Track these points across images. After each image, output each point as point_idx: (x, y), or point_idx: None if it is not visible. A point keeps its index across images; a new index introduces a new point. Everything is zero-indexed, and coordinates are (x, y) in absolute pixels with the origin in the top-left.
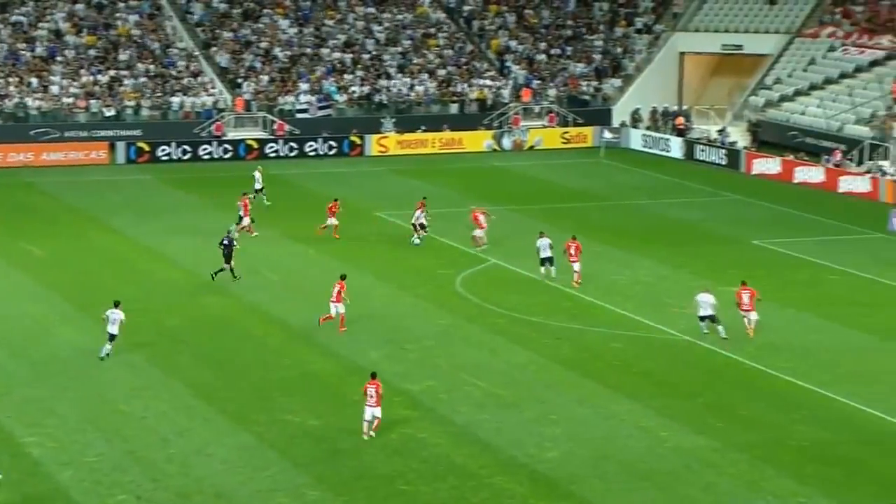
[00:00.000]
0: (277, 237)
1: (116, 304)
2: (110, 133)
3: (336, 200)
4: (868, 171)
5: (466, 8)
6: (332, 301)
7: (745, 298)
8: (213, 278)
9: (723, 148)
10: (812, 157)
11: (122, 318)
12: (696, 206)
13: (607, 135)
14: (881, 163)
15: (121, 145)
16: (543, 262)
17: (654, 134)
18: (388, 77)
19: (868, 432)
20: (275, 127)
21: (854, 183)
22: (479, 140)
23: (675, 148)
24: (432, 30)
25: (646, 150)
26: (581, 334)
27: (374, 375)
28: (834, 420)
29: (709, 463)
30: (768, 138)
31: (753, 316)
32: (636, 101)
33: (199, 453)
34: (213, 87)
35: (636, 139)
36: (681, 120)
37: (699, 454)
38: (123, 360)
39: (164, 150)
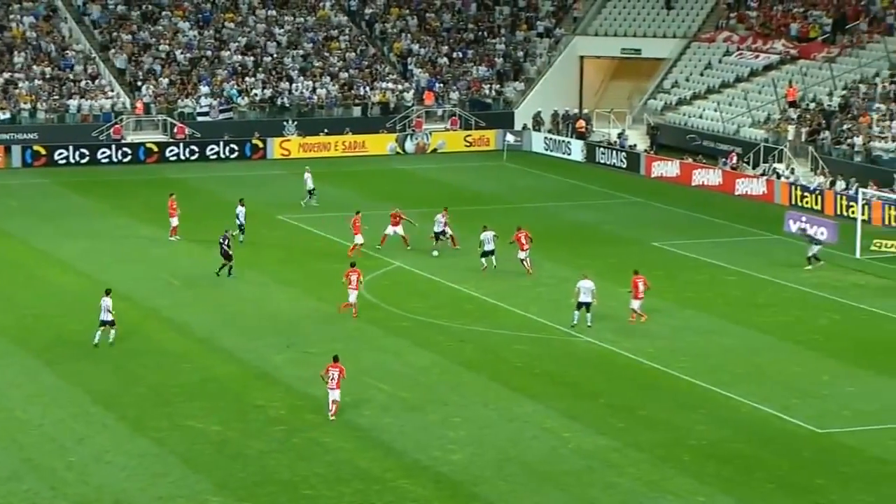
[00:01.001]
0: (179, 241)
1: (107, 292)
2: (5, 136)
3: (358, 213)
4: (763, 174)
5: (368, 11)
6: (351, 288)
7: (641, 286)
8: (217, 274)
9: (622, 151)
10: (709, 160)
11: (109, 304)
12: (596, 209)
13: (509, 138)
14: (776, 165)
15: (16, 149)
16: (485, 254)
17: (555, 137)
18: (290, 80)
19: (764, 430)
20: (175, 130)
21: (750, 185)
22: (382, 143)
23: (576, 151)
24: (334, 33)
25: (547, 153)
26: (484, 336)
27: (336, 359)
28: (732, 419)
29: (610, 463)
30: (667, 141)
31: (637, 304)
32: (538, 105)
33: (99, 460)
34: (111, 90)
35: (538, 142)
36: (581, 123)
37: (601, 454)
38: (20, 366)
39: (61, 153)
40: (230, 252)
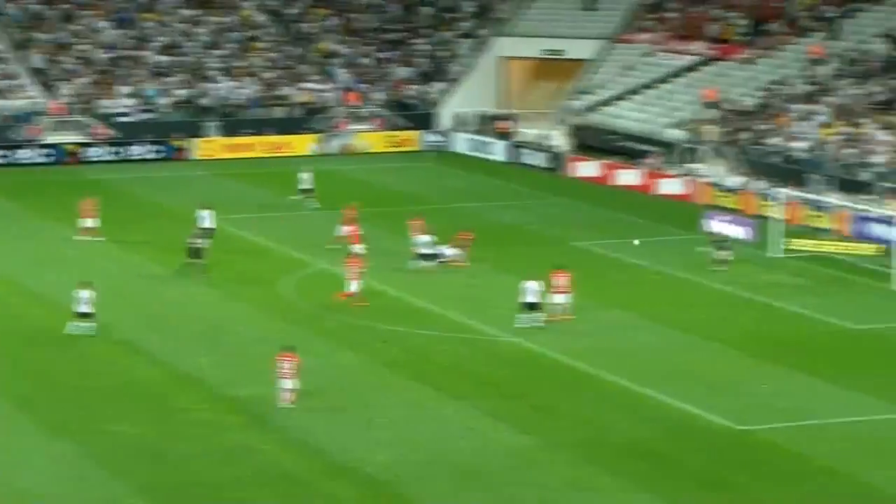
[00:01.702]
0: (100, 243)
1: (87, 285)
2: None
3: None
4: (683, 174)
5: (291, 11)
6: (352, 278)
7: (560, 282)
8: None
9: (545, 151)
10: (630, 160)
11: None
12: (520, 209)
13: (433, 138)
14: (695, 165)
15: None
16: (424, 257)
17: (479, 137)
18: (212, 80)
19: (685, 428)
20: (95, 130)
21: (670, 185)
22: (305, 144)
23: (500, 151)
24: (256, 32)
25: (471, 153)
26: (409, 337)
27: (290, 349)
28: (654, 417)
29: (534, 462)
30: (589, 142)
31: (563, 298)
32: (461, 105)
33: (19, 465)
34: (28, 90)
35: (462, 143)
36: (505, 124)
37: (525, 454)
38: None
39: None
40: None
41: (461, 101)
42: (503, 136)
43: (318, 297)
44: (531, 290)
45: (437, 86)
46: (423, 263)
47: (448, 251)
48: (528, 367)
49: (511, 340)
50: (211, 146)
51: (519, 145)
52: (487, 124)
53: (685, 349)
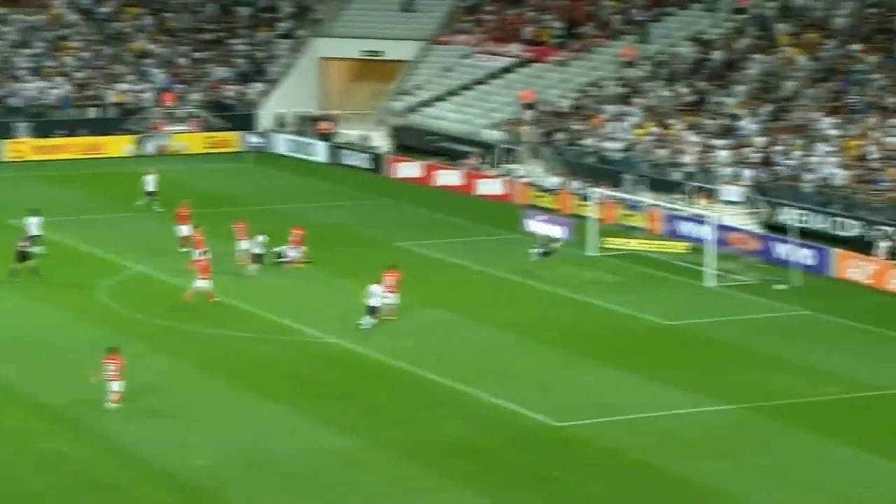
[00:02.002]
0: None
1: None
2: None
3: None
4: (501, 175)
5: (103, 10)
6: (200, 277)
7: (389, 282)
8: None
9: (366, 152)
10: (451, 161)
11: None
12: (341, 210)
13: (253, 139)
14: (513, 166)
15: None
16: (257, 258)
17: (299, 138)
18: (21, 80)
19: (506, 426)
20: None
21: (490, 186)
22: (120, 145)
23: (321, 152)
24: (68, 31)
25: (292, 154)
26: (229, 340)
27: (114, 350)
28: (476, 416)
29: (357, 463)
30: (410, 143)
31: (392, 299)
32: (281, 106)
33: None
34: None
35: (282, 144)
36: (325, 124)
37: (348, 455)
38: None
39: None
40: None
41: (281, 101)
42: (324, 137)
43: (136, 302)
44: (375, 293)
45: (256, 86)
46: (254, 266)
47: (291, 252)
48: (351, 368)
49: (335, 342)
50: (20, 148)
51: (340, 146)
52: (308, 125)
53: (506, 348)
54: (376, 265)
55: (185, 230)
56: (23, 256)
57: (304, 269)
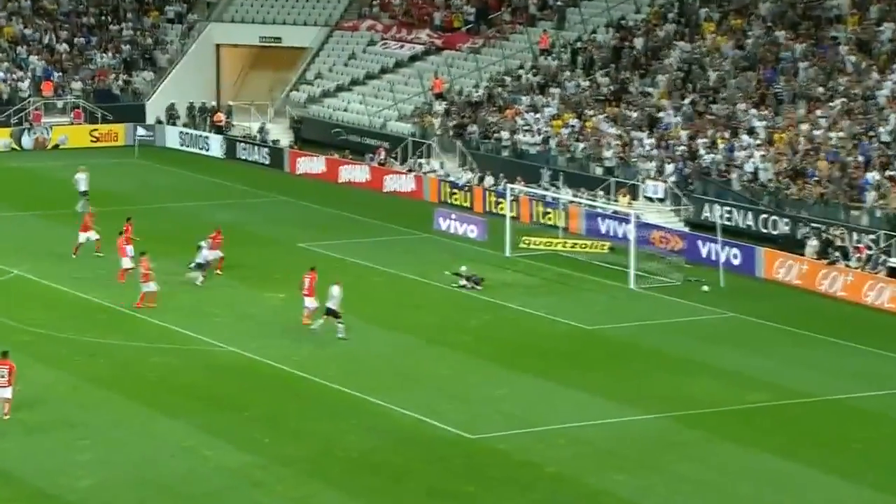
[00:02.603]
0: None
1: None
2: None
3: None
4: (411, 170)
5: None
6: (141, 281)
7: (307, 283)
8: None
9: (265, 146)
10: (357, 156)
11: None
12: (238, 208)
13: (141, 132)
14: (422, 160)
15: None
16: (199, 266)
17: (191, 131)
18: None
19: (415, 438)
20: None
21: (399, 182)
22: None
23: (215, 146)
24: None
25: (183, 148)
26: (117, 349)
27: (5, 354)
28: (382, 427)
29: (255, 481)
30: (312, 136)
31: (312, 303)
32: (171, 96)
33: None
34: None
35: (172, 137)
36: (220, 116)
37: (245, 472)
38: None
39: None
40: None
41: (171, 91)
42: (218, 129)
43: (14, 309)
44: (335, 296)
45: (143, 75)
46: (195, 273)
47: (210, 255)
48: (247, 378)
49: (229, 350)
50: None
51: (236, 140)
52: (201, 117)
53: (414, 354)
54: (277, 267)
55: (84, 237)
56: None
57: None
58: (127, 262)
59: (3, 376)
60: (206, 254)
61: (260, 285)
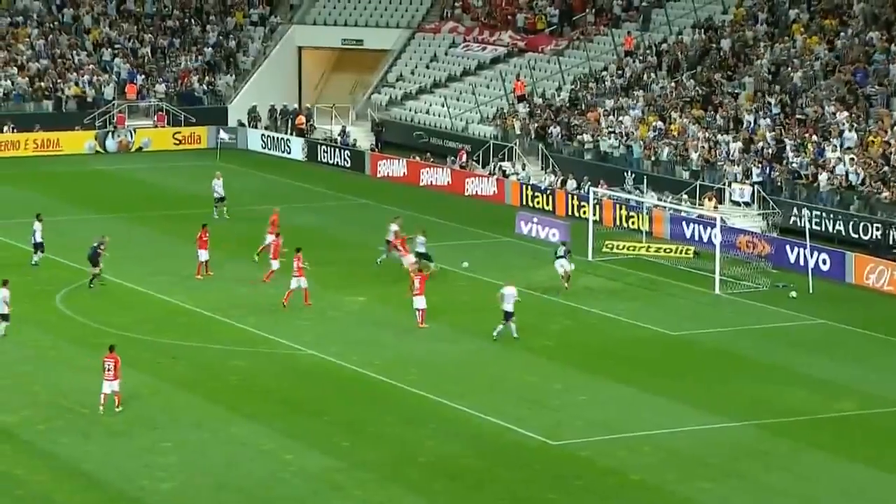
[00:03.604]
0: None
1: (5, 283)
2: None
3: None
4: (492, 173)
5: None
6: (294, 275)
7: (417, 283)
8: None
9: (346, 149)
10: (438, 159)
11: (7, 296)
12: (320, 211)
13: (223, 135)
14: (503, 164)
15: None
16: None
17: (273, 134)
18: None
19: (495, 444)
20: None
21: (480, 185)
22: (79, 141)
23: (297, 149)
24: (20, 18)
25: (265, 151)
26: (198, 352)
27: (111, 348)
28: (462, 433)
29: (335, 485)
30: (393, 139)
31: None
32: (253, 99)
33: None
34: None
35: (254, 140)
36: (301, 119)
37: (325, 476)
38: None
39: None
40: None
41: (253, 94)
42: (300, 132)
43: (94, 310)
44: (509, 295)
45: (226, 78)
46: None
47: (201, 255)
48: (327, 382)
49: (310, 353)
50: None
51: (317, 142)
52: (282, 120)
53: (494, 359)
54: (360, 271)
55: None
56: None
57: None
58: (204, 255)
59: (109, 369)
60: (200, 253)
61: (341, 289)
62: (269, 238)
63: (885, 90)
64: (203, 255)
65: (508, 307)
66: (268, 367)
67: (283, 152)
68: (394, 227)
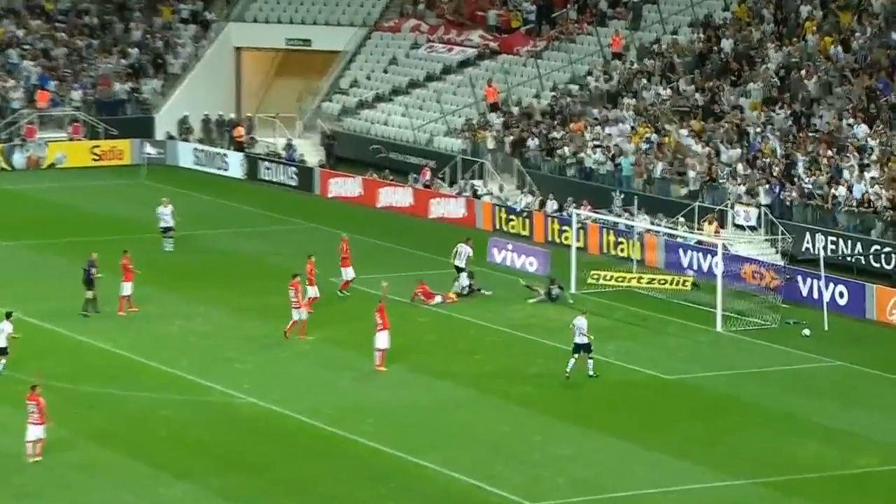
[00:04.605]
0: None
1: (8, 316)
2: None
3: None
4: (461, 193)
5: None
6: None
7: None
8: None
9: (292, 165)
10: (398, 176)
11: (10, 330)
12: (261, 237)
13: (149, 149)
14: (474, 182)
15: None
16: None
17: (208, 148)
18: None
19: (467, 502)
20: None
21: (447, 206)
22: None
23: (235, 165)
24: None
25: (198, 167)
26: (121, 401)
27: (33, 388)
28: (427, 493)
29: None
30: (347, 153)
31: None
32: (184, 108)
33: None
34: None
35: (186, 155)
36: (240, 131)
37: None
38: None
39: None
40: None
41: (184, 102)
42: (239, 146)
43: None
44: (581, 327)
45: (152, 83)
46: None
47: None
48: (270, 434)
49: (251, 401)
50: None
51: (258, 158)
52: (218, 132)
53: (463, 407)
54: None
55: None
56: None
57: (224, 312)
58: (128, 289)
59: (33, 412)
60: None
61: (285, 327)
62: (346, 271)
63: None
64: (126, 288)
65: (580, 339)
66: (201, 416)
67: (219, 169)
68: (466, 249)
